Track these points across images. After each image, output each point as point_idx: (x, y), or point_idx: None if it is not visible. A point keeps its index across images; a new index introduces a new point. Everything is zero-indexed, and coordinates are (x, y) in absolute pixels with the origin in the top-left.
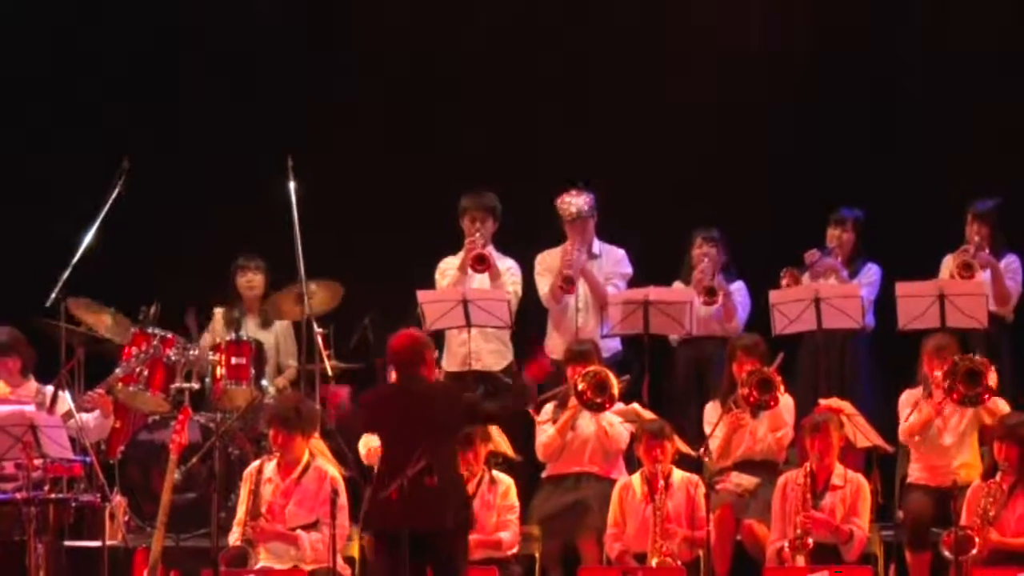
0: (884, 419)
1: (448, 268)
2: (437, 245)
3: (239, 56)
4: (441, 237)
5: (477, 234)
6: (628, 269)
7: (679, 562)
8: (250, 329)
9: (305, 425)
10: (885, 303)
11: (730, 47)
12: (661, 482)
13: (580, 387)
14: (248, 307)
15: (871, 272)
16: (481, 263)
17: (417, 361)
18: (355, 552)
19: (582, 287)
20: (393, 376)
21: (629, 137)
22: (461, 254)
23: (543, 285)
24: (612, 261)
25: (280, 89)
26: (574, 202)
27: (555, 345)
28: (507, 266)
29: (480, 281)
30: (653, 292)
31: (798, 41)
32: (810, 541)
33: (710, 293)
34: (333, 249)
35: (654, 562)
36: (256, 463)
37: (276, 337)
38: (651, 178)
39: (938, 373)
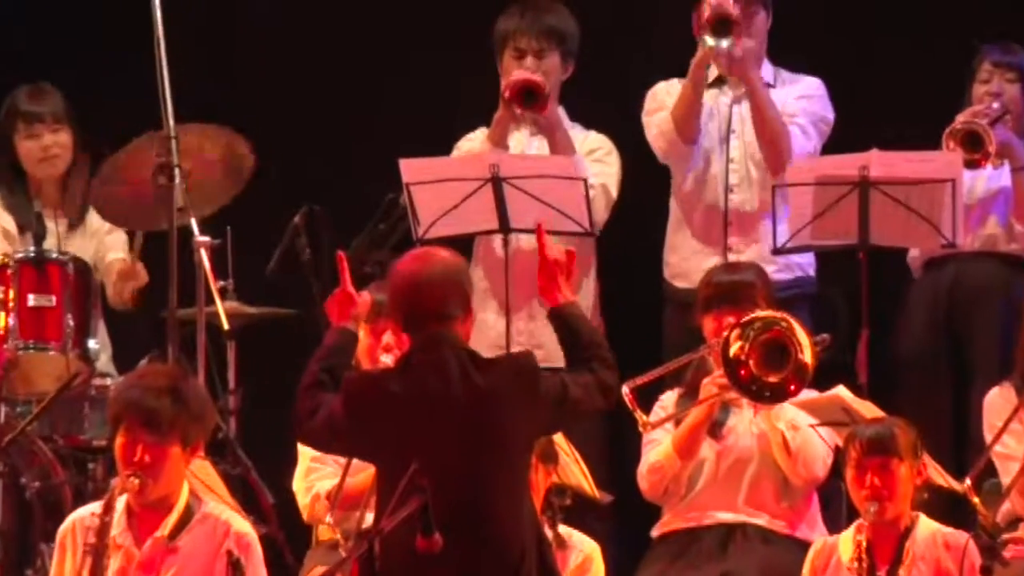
0: None
1: (474, 148)
2: (446, 105)
3: None
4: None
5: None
6: (828, 112)
7: None
8: (56, 237)
9: (189, 425)
10: None
11: None
12: (857, 531)
13: (733, 352)
14: (44, 195)
15: None
16: (530, 101)
17: (453, 310)
18: None
19: (738, 143)
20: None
21: None
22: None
23: (655, 127)
24: (796, 95)
25: None
26: None
27: (681, 261)
28: (591, 146)
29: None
30: (878, 159)
31: None
32: None
33: (974, 144)
34: (235, 86)
35: None
36: (86, 509)
37: (95, 247)
38: None
39: None
